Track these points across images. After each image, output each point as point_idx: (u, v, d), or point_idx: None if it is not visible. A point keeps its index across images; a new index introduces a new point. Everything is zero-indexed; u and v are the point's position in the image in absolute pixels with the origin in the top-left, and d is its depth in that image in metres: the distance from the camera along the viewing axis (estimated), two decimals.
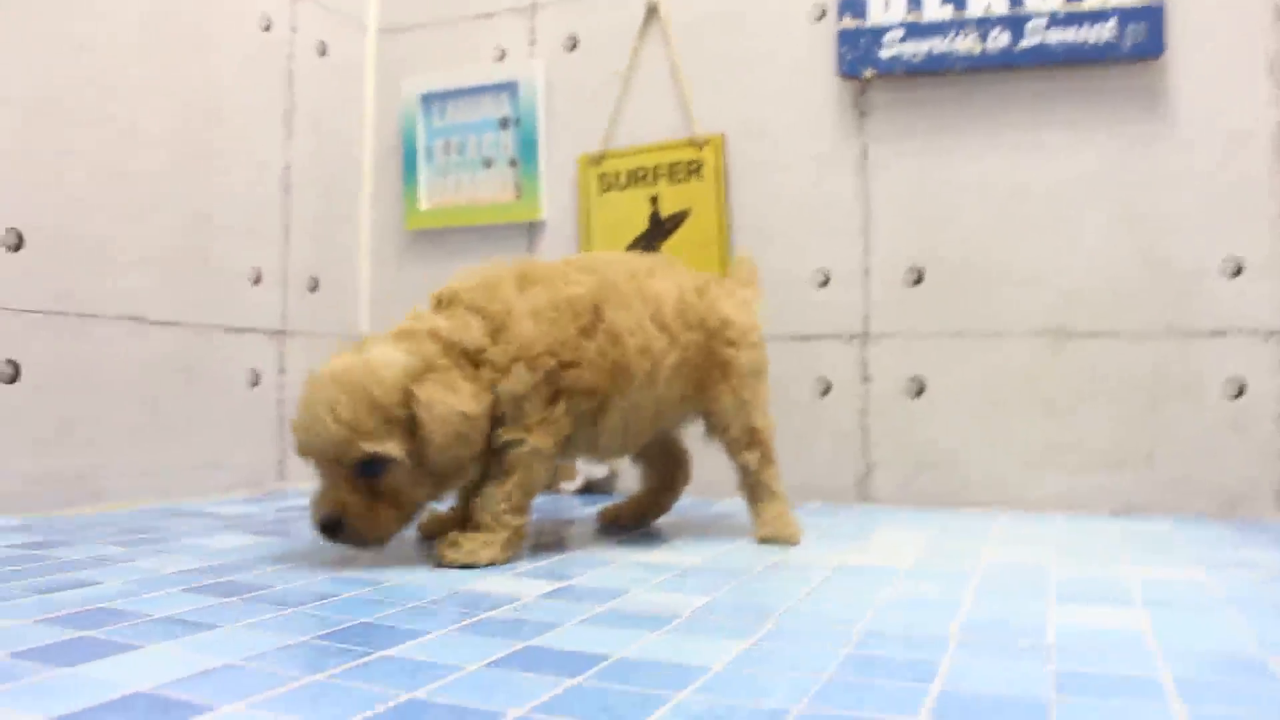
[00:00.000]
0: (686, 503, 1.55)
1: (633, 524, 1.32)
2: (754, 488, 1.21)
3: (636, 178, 1.74)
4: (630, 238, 1.73)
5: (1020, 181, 1.53)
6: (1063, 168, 1.51)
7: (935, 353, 1.55)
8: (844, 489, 1.59)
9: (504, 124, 1.84)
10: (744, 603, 0.83)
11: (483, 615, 0.76)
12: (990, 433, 1.52)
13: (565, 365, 1.05)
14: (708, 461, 1.62)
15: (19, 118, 1.33)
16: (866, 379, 1.58)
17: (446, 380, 0.98)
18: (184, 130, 1.56)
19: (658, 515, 1.34)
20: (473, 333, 1.02)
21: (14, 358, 1.31)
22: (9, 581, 0.88)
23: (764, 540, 1.16)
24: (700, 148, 1.69)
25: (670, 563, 1.02)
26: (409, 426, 0.96)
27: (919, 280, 1.57)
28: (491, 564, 0.99)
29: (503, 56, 1.87)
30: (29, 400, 1.33)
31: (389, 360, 0.97)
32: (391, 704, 0.55)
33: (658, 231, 1.71)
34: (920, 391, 1.56)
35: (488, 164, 1.85)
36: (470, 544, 1.00)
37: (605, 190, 1.76)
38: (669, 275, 1.20)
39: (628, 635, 0.71)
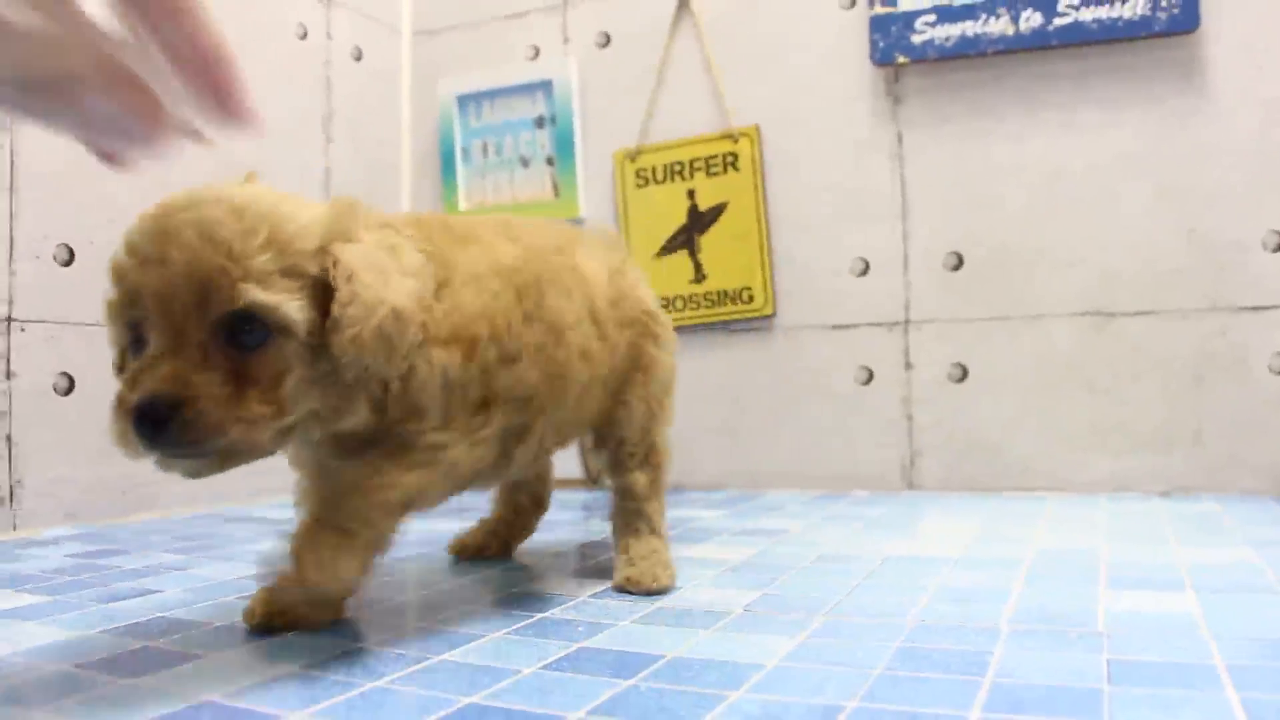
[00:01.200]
0: (727, 495, 1.56)
1: (498, 554, 1.07)
2: (631, 516, 0.94)
3: (673, 172, 1.74)
4: (669, 232, 1.74)
5: (1058, 162, 1.52)
6: (1100, 146, 1.50)
7: (977, 338, 1.55)
8: (889, 477, 1.59)
9: (539, 123, 1.85)
10: (794, 598, 0.83)
11: (536, 617, 0.77)
12: (1035, 416, 1.52)
13: (505, 359, 0.76)
14: (748, 451, 1.63)
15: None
16: (909, 366, 1.58)
17: (384, 258, 0.67)
18: (224, 141, 1.58)
19: (525, 538, 1.10)
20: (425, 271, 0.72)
21: (68, 370, 1.33)
22: (70, 592, 0.90)
23: (622, 586, 0.87)
24: (735, 140, 1.69)
25: (717, 558, 1.02)
26: (317, 295, 0.64)
27: (959, 265, 1.56)
28: (342, 592, 0.73)
29: (536, 55, 1.88)
30: (84, 412, 1.35)
31: (311, 206, 0.68)
32: (451, 709, 0.56)
33: (697, 224, 1.72)
34: (963, 377, 1.55)
35: (525, 163, 1.86)
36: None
37: (642, 186, 1.77)
38: (594, 252, 0.93)
39: (680, 634, 0.72)
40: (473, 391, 0.73)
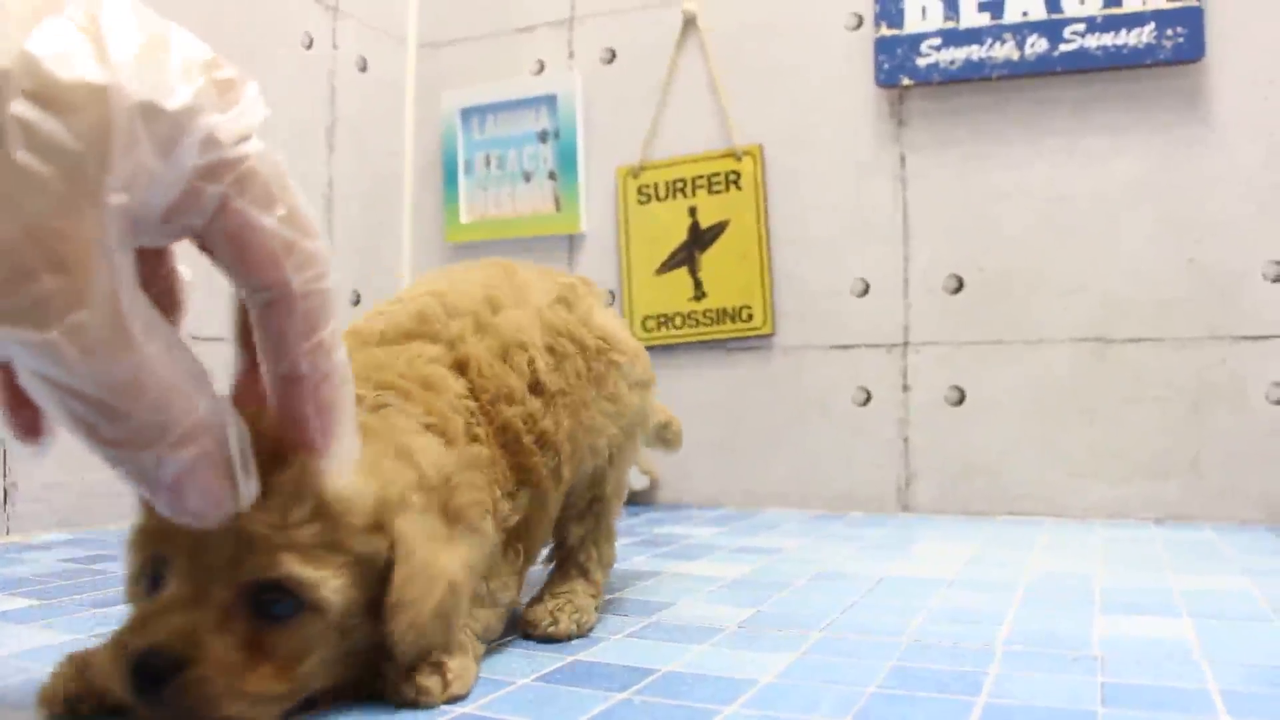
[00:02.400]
0: (724, 512, 1.56)
1: None
2: (562, 559, 0.86)
3: (675, 189, 1.74)
4: (669, 249, 1.74)
5: (1060, 188, 1.52)
6: (1103, 173, 1.50)
7: (976, 361, 1.55)
8: (885, 499, 1.59)
9: (543, 137, 1.86)
10: (789, 615, 0.83)
11: (512, 637, 0.77)
12: (1032, 441, 1.52)
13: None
14: (745, 469, 1.63)
15: None
16: (907, 388, 1.58)
17: (436, 524, 0.61)
18: None
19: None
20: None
21: None
22: (65, 596, 0.90)
23: (529, 625, 0.76)
24: (738, 158, 1.70)
25: (715, 575, 1.02)
26: (360, 572, 0.56)
27: (959, 288, 1.56)
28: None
29: (541, 70, 1.88)
30: None
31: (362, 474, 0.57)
32: (445, 719, 0.56)
33: (698, 241, 1.72)
34: (961, 400, 1.55)
35: (527, 177, 1.87)
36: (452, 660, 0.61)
37: (644, 202, 1.77)
38: (527, 297, 0.81)
39: (674, 649, 0.72)
40: (504, 546, 0.70)
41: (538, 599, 0.79)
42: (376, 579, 0.56)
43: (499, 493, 0.69)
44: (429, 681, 0.59)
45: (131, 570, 0.58)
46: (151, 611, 0.52)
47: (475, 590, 0.65)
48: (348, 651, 0.57)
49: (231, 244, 0.46)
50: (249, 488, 0.49)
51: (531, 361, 0.75)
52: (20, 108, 0.38)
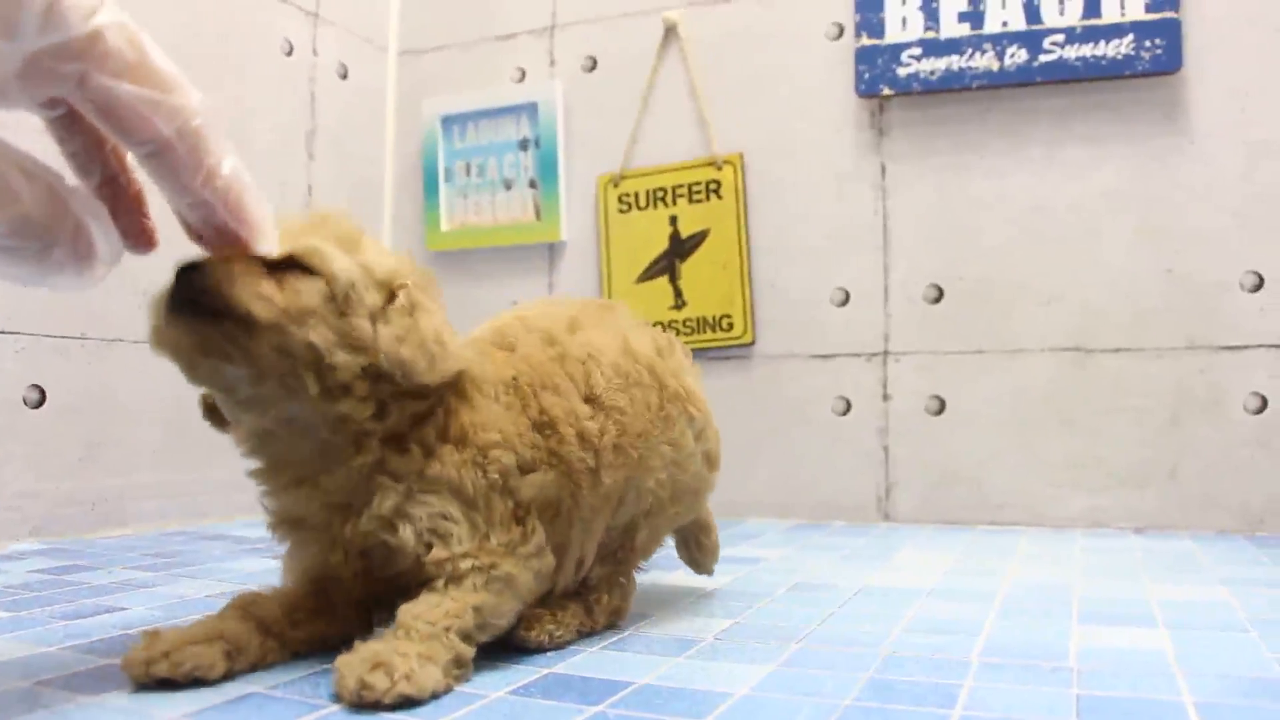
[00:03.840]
0: None
1: None
2: (575, 592, 0.83)
3: (656, 198, 1.74)
4: (650, 258, 1.74)
5: (1040, 198, 1.53)
6: (1082, 183, 1.51)
7: (956, 371, 1.55)
8: (865, 508, 1.58)
9: (524, 145, 1.85)
10: (767, 626, 0.83)
11: (503, 643, 0.76)
12: (1012, 451, 1.52)
13: (523, 468, 0.75)
14: (725, 479, 1.62)
15: (47, 143, 1.34)
16: (887, 397, 1.58)
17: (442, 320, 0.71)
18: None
19: None
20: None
21: (39, 383, 1.32)
22: (34, 608, 0.89)
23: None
24: (719, 167, 1.70)
25: (694, 586, 1.02)
26: (366, 290, 0.68)
27: (939, 298, 1.57)
28: (435, 695, 0.62)
29: (522, 78, 1.88)
30: (54, 424, 1.34)
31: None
32: None
33: (678, 250, 1.72)
34: (941, 410, 1.55)
35: (508, 185, 1.86)
36: (403, 659, 0.61)
37: (625, 211, 1.77)
38: (611, 325, 0.87)
39: (650, 661, 0.71)
40: (497, 505, 0.71)
41: (528, 606, 0.77)
42: (366, 312, 0.67)
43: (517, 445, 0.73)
44: (373, 678, 0.60)
45: None
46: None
47: (470, 562, 0.68)
48: (337, 339, 0.66)
49: (100, 114, 0.52)
50: (113, 249, 0.56)
51: (589, 374, 0.79)
52: None
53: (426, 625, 0.64)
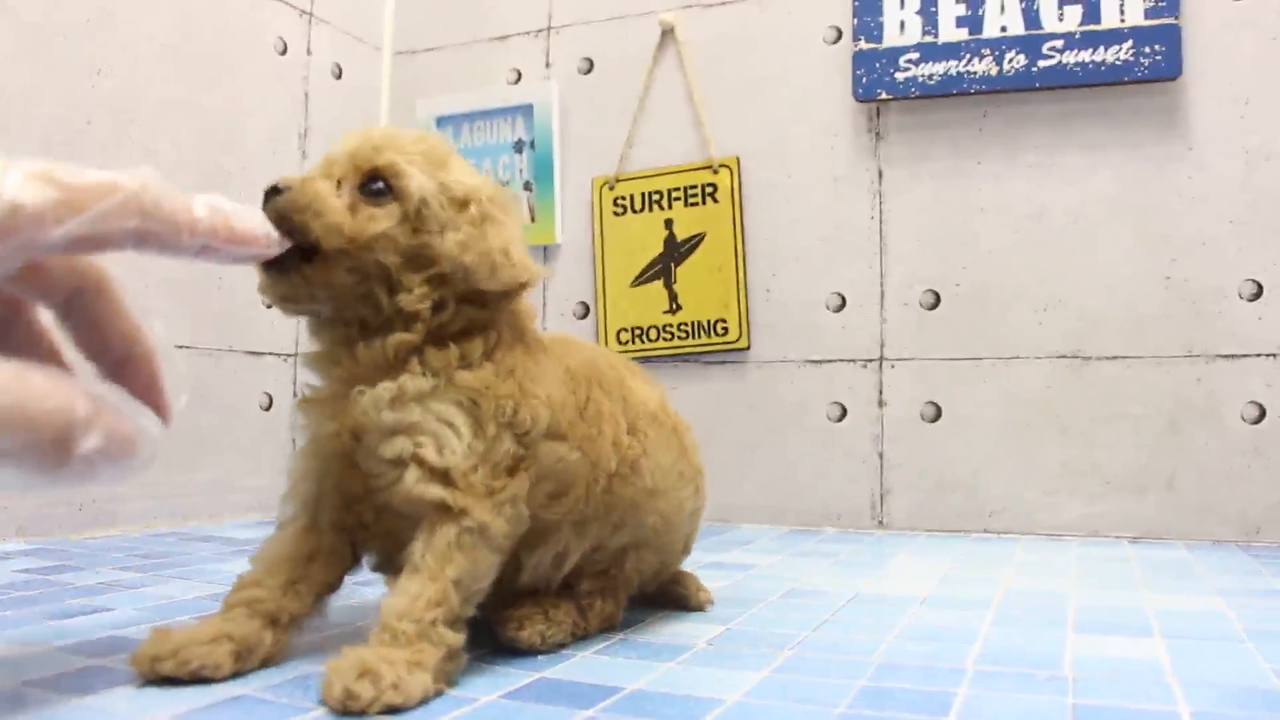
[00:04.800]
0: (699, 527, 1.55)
1: None
2: (567, 594, 0.81)
3: (651, 201, 1.74)
4: (645, 261, 1.73)
5: (1038, 203, 1.52)
6: (1080, 189, 1.50)
7: (952, 377, 1.54)
8: (859, 514, 1.58)
9: (519, 147, 1.85)
10: (760, 633, 0.82)
11: (491, 646, 0.75)
12: (1007, 457, 1.51)
13: (552, 433, 0.75)
14: (719, 484, 1.61)
15: (42, 140, 1.33)
16: (883, 403, 1.58)
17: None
18: (201, 152, 1.57)
19: None
20: None
21: None
22: (20, 608, 0.88)
23: (495, 624, 0.75)
24: (715, 171, 1.69)
25: None
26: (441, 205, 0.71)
27: (935, 304, 1.56)
28: (424, 701, 0.61)
29: (518, 79, 1.87)
30: None
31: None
32: None
33: (674, 254, 1.71)
34: (937, 416, 1.55)
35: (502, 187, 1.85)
36: (390, 668, 0.60)
37: (620, 214, 1.76)
38: (646, 381, 0.92)
39: (641, 667, 0.70)
40: (503, 446, 0.69)
41: (519, 604, 0.77)
42: (438, 227, 0.70)
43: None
44: (359, 686, 0.59)
45: None
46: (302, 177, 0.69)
47: (442, 493, 0.67)
48: (408, 256, 0.69)
49: (67, 254, 0.56)
50: (157, 427, 0.59)
51: (631, 405, 0.82)
52: None
53: (412, 624, 0.63)
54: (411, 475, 0.67)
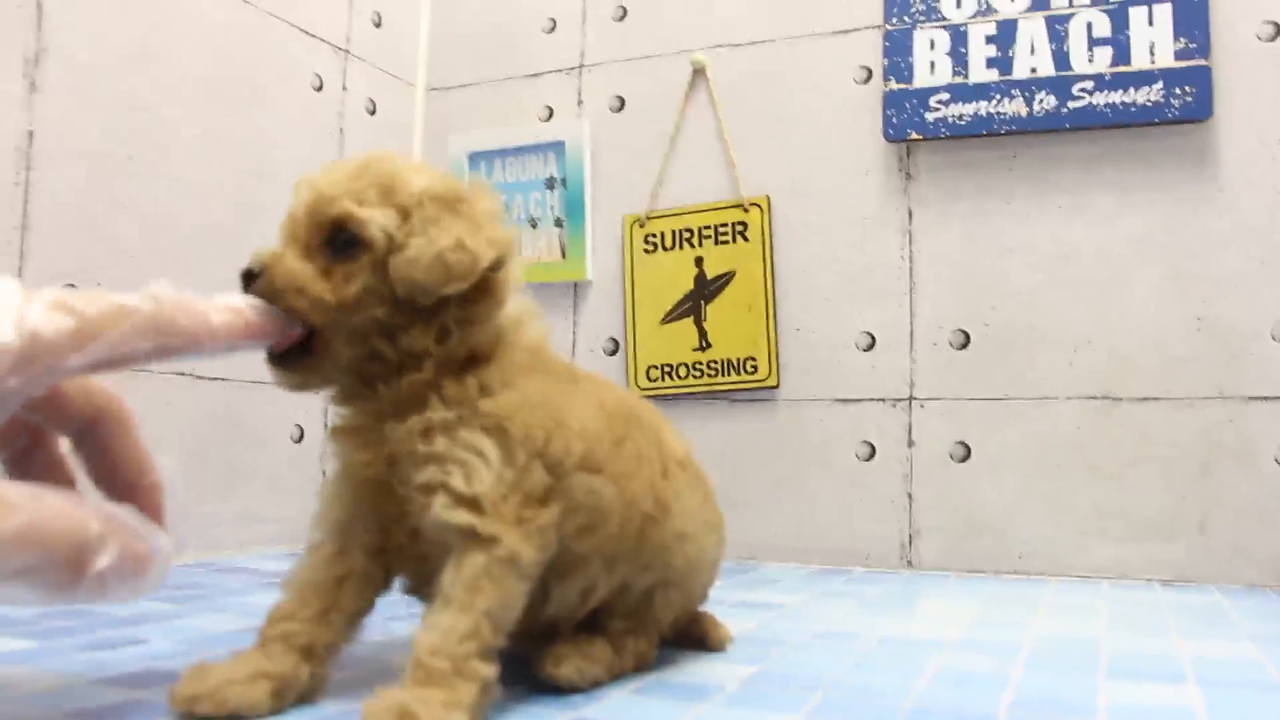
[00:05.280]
0: (724, 566, 1.55)
1: None
2: (601, 633, 0.81)
3: (682, 239, 1.74)
4: (675, 299, 1.74)
5: (1068, 244, 1.52)
6: (1111, 230, 1.50)
7: (981, 417, 1.54)
8: (888, 555, 1.57)
9: (550, 184, 1.86)
10: (791, 674, 0.82)
11: (527, 684, 0.76)
12: (1037, 499, 1.50)
13: (587, 465, 0.74)
14: (747, 522, 1.61)
15: (80, 172, 1.35)
16: (911, 443, 1.58)
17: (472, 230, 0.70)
18: (236, 186, 1.58)
19: None
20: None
21: None
22: (56, 639, 0.89)
23: (532, 661, 0.75)
24: (746, 209, 1.70)
25: None
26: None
27: (965, 344, 1.56)
28: None
29: (550, 116, 1.89)
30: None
31: (444, 175, 0.74)
32: None
33: (703, 291, 1.72)
34: (966, 456, 1.54)
35: (534, 223, 1.87)
36: (427, 709, 0.59)
37: (650, 251, 1.77)
38: (675, 434, 0.91)
39: (678, 707, 0.70)
40: (535, 477, 0.69)
41: (554, 641, 0.77)
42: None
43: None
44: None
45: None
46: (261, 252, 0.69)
47: (472, 520, 0.66)
48: (388, 296, 0.68)
49: (92, 375, 0.59)
50: (170, 548, 0.60)
51: (664, 449, 0.83)
52: None
53: (446, 660, 0.62)
54: (440, 501, 0.66)
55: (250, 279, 0.67)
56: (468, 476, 0.66)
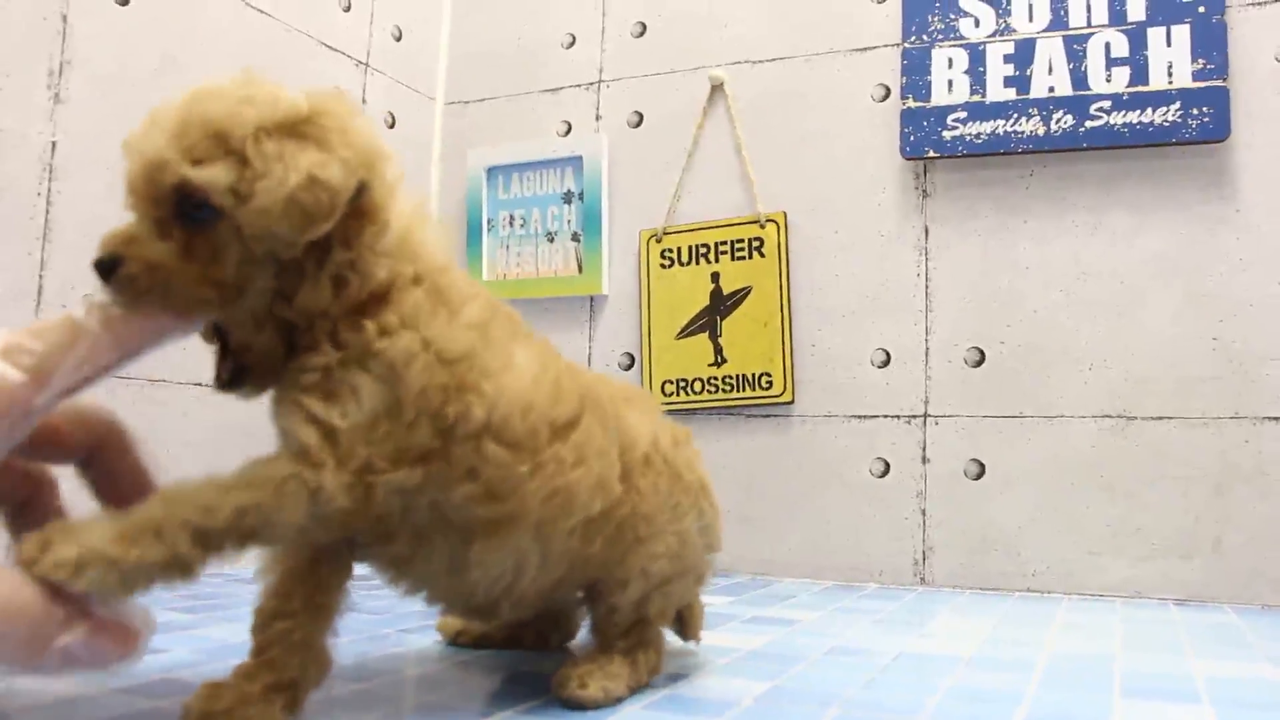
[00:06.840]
0: (738, 581, 1.55)
1: (502, 645, 0.98)
2: (613, 645, 0.81)
3: (698, 254, 1.75)
4: (691, 314, 1.74)
5: (1084, 263, 1.52)
6: (1128, 249, 1.50)
7: (996, 435, 1.54)
8: (902, 571, 1.57)
9: (568, 198, 1.87)
10: (805, 690, 0.82)
11: (541, 700, 0.76)
12: (1051, 517, 1.50)
13: (500, 435, 0.66)
14: (761, 538, 1.62)
15: (102, 183, 1.36)
16: (926, 460, 1.58)
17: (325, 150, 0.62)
18: None
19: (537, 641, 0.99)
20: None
21: None
22: None
23: (556, 684, 0.75)
24: (762, 225, 1.70)
25: (730, 646, 1.01)
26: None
27: (980, 361, 1.56)
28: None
29: (568, 131, 1.90)
30: None
31: (277, 97, 0.66)
32: None
33: (719, 307, 1.72)
34: (981, 474, 1.54)
35: (550, 237, 1.87)
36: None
37: (667, 266, 1.77)
38: (644, 410, 0.86)
39: None
40: (417, 437, 0.62)
41: (571, 662, 0.77)
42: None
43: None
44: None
45: None
46: (111, 234, 0.62)
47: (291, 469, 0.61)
48: (254, 252, 0.59)
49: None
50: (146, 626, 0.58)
51: (626, 438, 0.77)
52: None
53: (160, 510, 0.57)
54: (295, 416, 0.61)
55: (107, 271, 0.59)
56: (329, 405, 0.61)
